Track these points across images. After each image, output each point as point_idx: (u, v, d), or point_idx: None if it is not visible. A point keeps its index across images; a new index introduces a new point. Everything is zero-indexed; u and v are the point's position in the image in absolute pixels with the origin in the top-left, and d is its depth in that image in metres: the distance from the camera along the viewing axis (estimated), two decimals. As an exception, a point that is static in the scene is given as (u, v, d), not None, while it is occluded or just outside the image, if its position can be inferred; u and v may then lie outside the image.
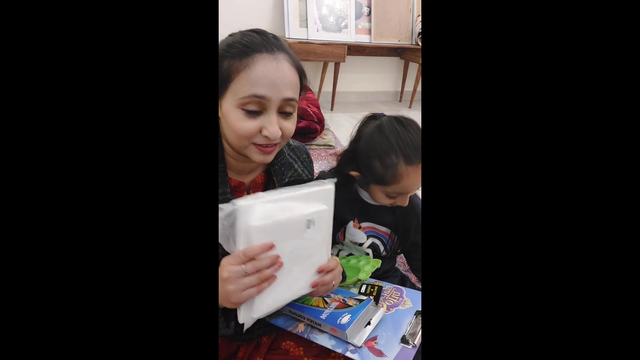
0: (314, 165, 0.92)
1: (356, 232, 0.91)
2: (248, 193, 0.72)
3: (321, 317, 0.68)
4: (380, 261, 0.87)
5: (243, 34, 0.63)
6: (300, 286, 0.64)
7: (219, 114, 0.63)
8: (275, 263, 0.56)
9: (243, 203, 0.55)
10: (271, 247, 0.55)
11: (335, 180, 0.64)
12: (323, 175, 0.90)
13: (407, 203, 0.81)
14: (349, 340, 0.65)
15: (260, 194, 0.59)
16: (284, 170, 0.75)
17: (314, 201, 0.62)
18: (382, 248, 0.91)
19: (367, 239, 0.90)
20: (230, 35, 0.64)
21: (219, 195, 0.66)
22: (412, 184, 0.77)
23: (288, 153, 0.78)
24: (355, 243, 0.91)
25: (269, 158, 0.65)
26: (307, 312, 0.69)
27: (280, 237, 0.57)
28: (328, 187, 0.64)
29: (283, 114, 0.62)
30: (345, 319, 0.66)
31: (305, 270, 0.64)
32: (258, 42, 0.61)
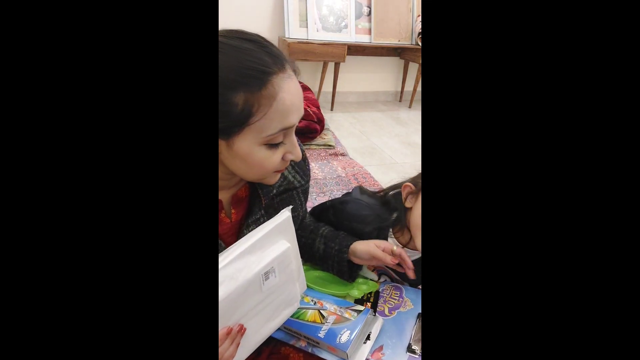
0: (314, 165, 0.91)
1: (369, 273, 0.91)
2: (227, 212, 0.65)
3: (319, 335, 0.67)
4: (378, 286, 0.86)
5: (239, 50, 0.51)
6: (274, 324, 0.62)
7: (223, 152, 0.55)
8: (236, 336, 0.53)
9: None
10: (228, 332, 0.52)
11: (291, 207, 0.61)
12: (355, 190, 0.88)
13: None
14: None
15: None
16: None
17: (270, 243, 0.58)
18: (390, 279, 0.91)
19: (380, 277, 0.90)
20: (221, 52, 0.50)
21: None
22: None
23: None
24: (364, 277, 0.91)
25: (276, 178, 0.62)
26: (305, 329, 0.68)
27: (236, 306, 0.54)
28: (283, 219, 0.59)
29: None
30: (344, 337, 0.65)
31: (276, 310, 0.62)
32: (266, 60, 0.51)
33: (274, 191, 0.67)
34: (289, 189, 0.71)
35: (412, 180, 0.83)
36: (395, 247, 0.75)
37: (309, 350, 0.67)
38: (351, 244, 0.79)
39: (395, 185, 0.87)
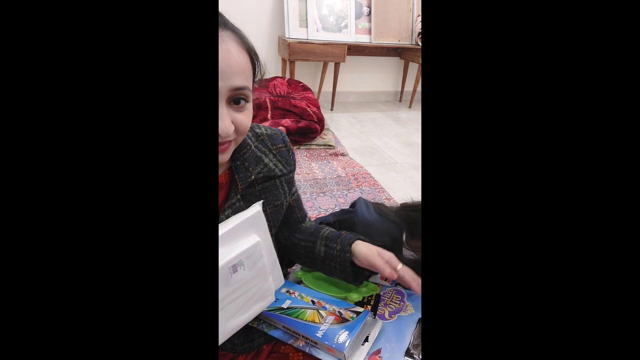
0: (314, 165, 0.91)
1: (380, 282, 0.89)
2: None
3: (317, 335, 0.66)
4: (378, 289, 0.86)
5: None
6: (246, 317, 0.62)
7: None
8: None
9: None
10: None
11: (262, 201, 0.60)
12: (359, 202, 0.85)
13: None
14: None
15: None
16: (248, 166, 0.66)
17: (240, 237, 0.58)
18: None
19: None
20: None
21: None
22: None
23: (256, 145, 0.68)
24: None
25: (224, 157, 0.57)
26: (303, 329, 0.68)
27: None
28: (254, 212, 0.59)
29: (235, 103, 0.53)
30: (342, 337, 0.65)
31: (247, 304, 0.61)
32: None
33: (252, 177, 0.66)
34: (270, 176, 0.70)
35: None
36: (400, 266, 0.71)
37: (307, 350, 0.67)
38: (354, 242, 0.74)
39: (408, 204, 0.85)
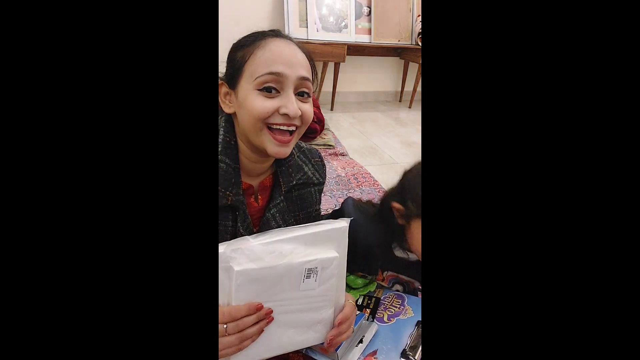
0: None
1: (376, 283, 0.89)
2: (255, 197, 0.72)
3: None
4: (375, 284, 0.86)
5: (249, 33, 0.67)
6: (293, 342, 0.57)
7: (235, 105, 0.64)
8: (263, 319, 0.53)
9: (236, 245, 0.50)
10: (259, 308, 0.51)
11: (351, 218, 0.60)
12: (346, 204, 0.85)
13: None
14: None
15: (263, 233, 0.55)
16: (291, 172, 0.74)
17: (321, 244, 0.56)
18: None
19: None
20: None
21: (233, 195, 0.64)
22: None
23: (298, 155, 0.77)
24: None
25: (285, 150, 0.64)
26: None
27: (270, 286, 0.52)
28: (341, 226, 0.58)
29: (300, 95, 0.63)
30: None
31: (302, 325, 0.57)
32: (268, 31, 0.65)
33: (293, 182, 0.73)
34: (308, 183, 0.76)
35: (397, 194, 0.78)
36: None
37: (304, 352, 0.68)
38: None
39: (388, 193, 0.83)
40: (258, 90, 0.60)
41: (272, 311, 0.53)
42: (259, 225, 0.70)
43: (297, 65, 0.62)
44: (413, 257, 0.80)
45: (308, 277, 0.54)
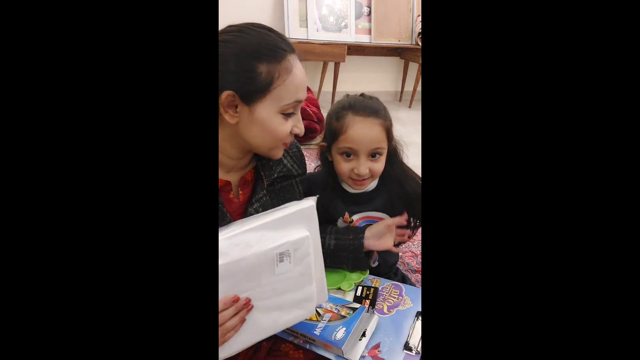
0: (314, 164, 0.91)
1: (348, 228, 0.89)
2: (236, 192, 0.72)
3: (315, 332, 0.66)
4: (367, 272, 0.86)
5: (251, 28, 0.63)
6: (280, 323, 0.59)
7: (244, 119, 0.63)
8: (242, 309, 0.53)
9: None
10: (235, 300, 0.52)
11: (317, 197, 0.62)
12: (312, 177, 0.88)
13: (364, 169, 0.79)
14: (345, 357, 0.64)
15: (227, 226, 0.55)
16: (272, 165, 0.75)
17: (290, 227, 0.56)
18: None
19: (365, 226, 0.89)
20: (240, 32, 0.62)
21: None
22: (359, 134, 0.78)
23: None
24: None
25: (280, 154, 0.69)
26: (301, 327, 0.67)
27: (242, 278, 0.52)
28: (308, 206, 0.58)
29: (286, 116, 0.66)
30: (340, 334, 0.65)
31: (285, 306, 0.58)
32: (281, 41, 0.63)
33: (275, 175, 0.75)
34: (288, 176, 0.77)
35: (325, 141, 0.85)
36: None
37: (307, 347, 0.68)
38: (365, 229, 0.84)
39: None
40: (282, 113, 0.63)
41: (249, 300, 0.54)
42: None
43: (301, 89, 0.65)
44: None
45: (281, 260, 0.55)
